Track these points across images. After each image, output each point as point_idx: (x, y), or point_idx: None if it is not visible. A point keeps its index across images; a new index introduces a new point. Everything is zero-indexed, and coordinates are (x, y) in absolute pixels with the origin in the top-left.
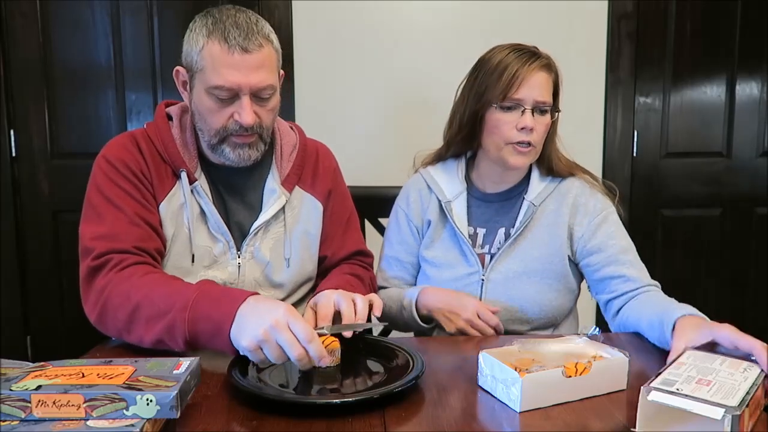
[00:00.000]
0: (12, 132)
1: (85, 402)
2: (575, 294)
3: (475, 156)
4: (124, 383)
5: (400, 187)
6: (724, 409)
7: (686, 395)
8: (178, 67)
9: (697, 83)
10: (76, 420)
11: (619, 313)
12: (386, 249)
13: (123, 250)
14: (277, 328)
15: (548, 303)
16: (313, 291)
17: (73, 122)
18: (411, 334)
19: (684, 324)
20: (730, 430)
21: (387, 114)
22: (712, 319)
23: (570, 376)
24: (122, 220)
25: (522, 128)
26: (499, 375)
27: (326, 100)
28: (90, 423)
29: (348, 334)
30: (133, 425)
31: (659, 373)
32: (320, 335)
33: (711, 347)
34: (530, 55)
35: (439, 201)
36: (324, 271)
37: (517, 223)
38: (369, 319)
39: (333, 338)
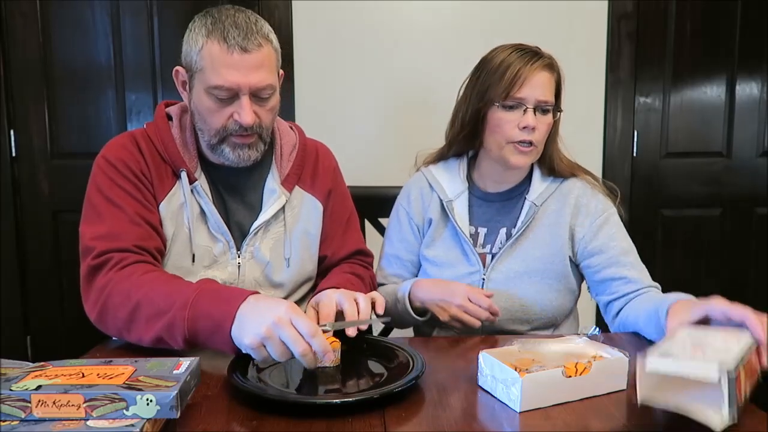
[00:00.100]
0: (12, 132)
1: (85, 402)
2: (576, 294)
3: (477, 155)
4: (124, 383)
5: (400, 187)
6: (718, 368)
7: (682, 361)
8: (177, 67)
9: (697, 83)
10: (76, 420)
11: (619, 314)
12: (386, 247)
13: (123, 249)
14: (280, 325)
15: (549, 303)
16: (313, 291)
17: (73, 122)
18: (411, 334)
19: (676, 307)
20: (727, 388)
21: (387, 114)
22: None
23: (570, 376)
24: (122, 219)
25: (524, 127)
26: (499, 375)
27: (326, 100)
28: (90, 423)
29: (352, 332)
30: (133, 425)
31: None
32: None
33: (706, 324)
34: (532, 54)
35: (441, 200)
36: (324, 271)
37: (519, 223)
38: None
39: (333, 338)
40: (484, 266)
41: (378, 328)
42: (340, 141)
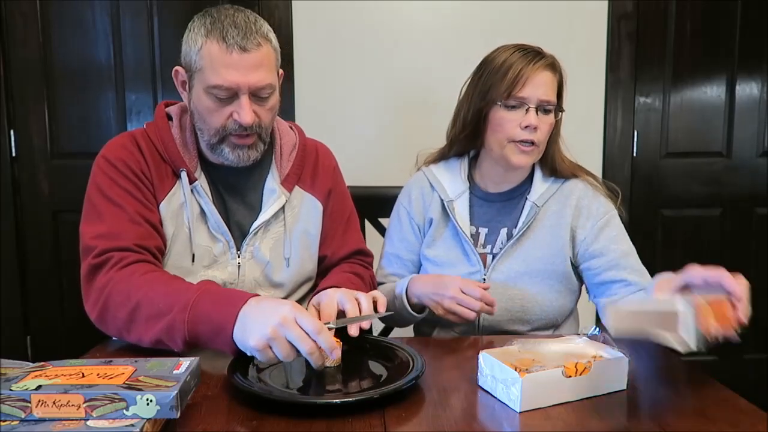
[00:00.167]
0: (12, 132)
1: (85, 402)
2: (576, 295)
3: (478, 155)
4: (124, 383)
5: (401, 187)
6: (680, 299)
7: (649, 299)
8: (177, 67)
9: (697, 83)
10: (76, 420)
11: None
12: (387, 246)
13: (124, 248)
14: (285, 325)
15: (549, 304)
16: (313, 290)
17: (73, 122)
18: (411, 334)
19: (660, 283)
20: (691, 317)
21: (387, 114)
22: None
23: (570, 376)
24: (123, 218)
25: (526, 126)
26: (499, 375)
27: (326, 100)
28: (90, 423)
29: (354, 330)
30: (133, 425)
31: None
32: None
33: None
34: (535, 54)
35: (442, 200)
36: (324, 271)
37: (520, 224)
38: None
39: (335, 338)
40: (484, 266)
41: (378, 327)
42: (340, 141)
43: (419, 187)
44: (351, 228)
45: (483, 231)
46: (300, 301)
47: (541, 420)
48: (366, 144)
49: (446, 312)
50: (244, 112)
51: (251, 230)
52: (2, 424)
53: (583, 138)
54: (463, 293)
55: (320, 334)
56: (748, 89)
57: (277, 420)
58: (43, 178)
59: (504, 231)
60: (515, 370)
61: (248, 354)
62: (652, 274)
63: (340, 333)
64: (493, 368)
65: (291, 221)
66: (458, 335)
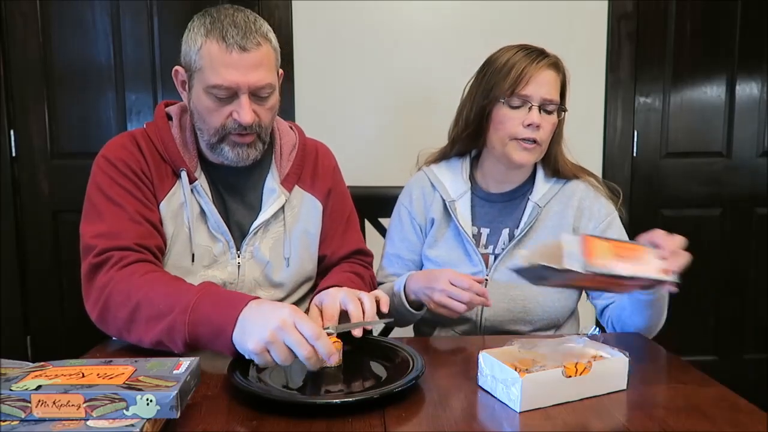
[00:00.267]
0: (12, 132)
1: (85, 402)
2: (577, 295)
3: (480, 155)
4: (124, 383)
5: (401, 187)
6: (570, 235)
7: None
8: (176, 67)
9: (697, 83)
10: (76, 420)
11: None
12: (388, 246)
13: (124, 247)
14: (284, 329)
15: (551, 304)
16: (313, 291)
17: (73, 122)
18: (411, 334)
19: None
20: (577, 246)
21: (387, 114)
22: (710, 321)
23: (570, 376)
24: (123, 217)
25: (528, 125)
26: (499, 375)
27: (326, 100)
28: (90, 423)
29: (358, 332)
30: (133, 425)
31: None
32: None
33: None
34: (538, 53)
35: (443, 200)
36: (324, 271)
37: (522, 224)
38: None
39: (336, 339)
40: (486, 267)
41: (378, 327)
42: (340, 141)
43: (420, 187)
44: (351, 228)
45: (485, 231)
46: (300, 300)
47: (541, 420)
48: (366, 144)
49: (437, 306)
50: (244, 112)
51: (251, 230)
52: (2, 424)
53: (583, 138)
54: (453, 286)
55: (318, 339)
56: (748, 89)
57: (277, 420)
58: (43, 178)
59: (506, 231)
60: (515, 370)
61: (246, 357)
62: None
63: (343, 333)
64: (493, 368)
65: (291, 221)
66: (459, 335)
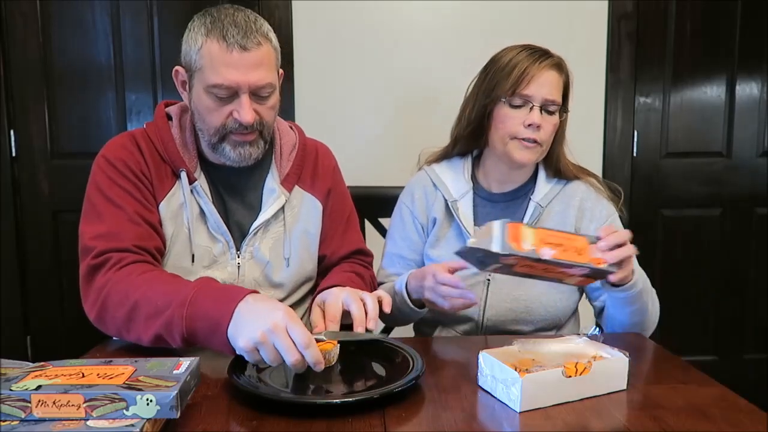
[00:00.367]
0: (12, 132)
1: (85, 402)
2: (579, 295)
3: (481, 155)
4: (124, 383)
5: (401, 188)
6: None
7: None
8: (177, 67)
9: (697, 83)
10: (76, 420)
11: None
12: (389, 246)
13: (123, 248)
14: (275, 332)
15: (553, 304)
16: (313, 291)
17: (73, 122)
18: (412, 334)
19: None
20: (499, 231)
21: (387, 114)
22: (710, 321)
23: (570, 376)
24: (122, 218)
25: (529, 125)
26: (499, 375)
27: (326, 100)
28: (90, 423)
29: (362, 329)
30: (133, 425)
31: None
32: (318, 341)
33: None
34: (541, 53)
35: (445, 199)
36: (324, 271)
37: None
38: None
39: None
40: None
41: (379, 327)
42: (340, 141)
43: (422, 187)
44: (351, 228)
45: None
46: (300, 301)
47: (541, 420)
48: (366, 144)
49: (430, 303)
50: (244, 111)
51: (251, 230)
52: (2, 424)
53: (583, 138)
54: (439, 284)
55: (308, 348)
56: (748, 89)
57: (277, 420)
58: (43, 178)
59: None
60: (515, 370)
61: (237, 353)
62: (652, 273)
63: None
64: (493, 368)
65: (291, 221)
66: (460, 335)
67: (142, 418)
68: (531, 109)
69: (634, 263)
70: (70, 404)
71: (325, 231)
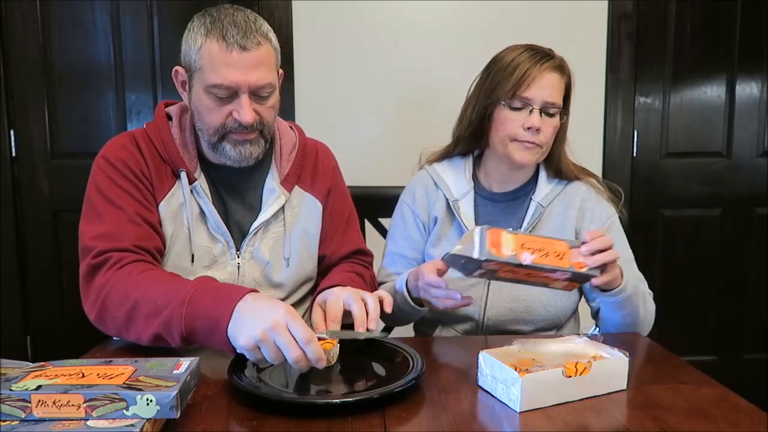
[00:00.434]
0: (12, 132)
1: (85, 402)
2: (579, 296)
3: (482, 155)
4: (124, 383)
5: (401, 187)
6: (478, 228)
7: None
8: (176, 67)
9: (697, 83)
10: (76, 420)
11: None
12: (389, 246)
13: (123, 248)
14: (275, 330)
15: (554, 304)
16: (313, 291)
17: (73, 122)
18: (412, 334)
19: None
20: (478, 238)
21: (387, 114)
22: (710, 321)
23: (570, 376)
24: (122, 219)
25: (528, 128)
26: (499, 375)
27: (326, 100)
28: (90, 423)
29: (362, 329)
30: (133, 425)
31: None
32: (319, 339)
33: None
34: (543, 55)
35: (446, 199)
36: (324, 271)
37: (525, 224)
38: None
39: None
40: None
41: (379, 327)
42: (340, 141)
43: (423, 186)
44: (351, 228)
45: None
46: (300, 301)
47: (541, 420)
48: (366, 144)
49: (426, 303)
50: (244, 111)
51: (251, 230)
52: (2, 424)
53: (583, 138)
54: (430, 285)
55: (309, 344)
56: (748, 89)
57: (277, 420)
58: (43, 178)
59: None
60: (515, 370)
61: (238, 351)
62: (652, 273)
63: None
64: (493, 368)
65: (291, 221)
66: (460, 335)
67: (142, 418)
68: (531, 111)
69: (635, 268)
70: (70, 404)
71: (325, 231)
